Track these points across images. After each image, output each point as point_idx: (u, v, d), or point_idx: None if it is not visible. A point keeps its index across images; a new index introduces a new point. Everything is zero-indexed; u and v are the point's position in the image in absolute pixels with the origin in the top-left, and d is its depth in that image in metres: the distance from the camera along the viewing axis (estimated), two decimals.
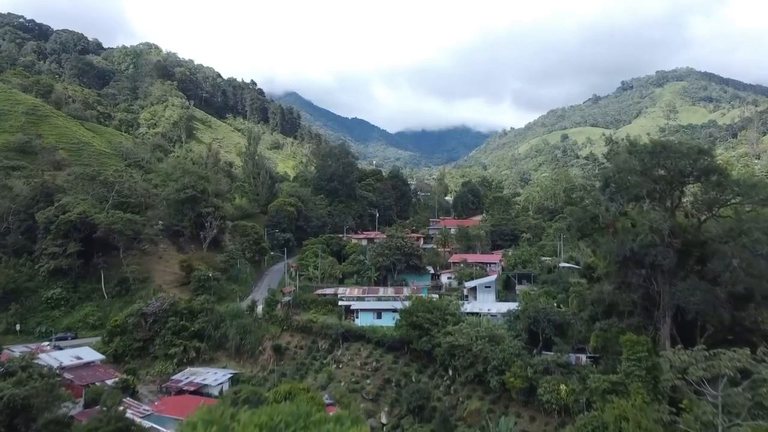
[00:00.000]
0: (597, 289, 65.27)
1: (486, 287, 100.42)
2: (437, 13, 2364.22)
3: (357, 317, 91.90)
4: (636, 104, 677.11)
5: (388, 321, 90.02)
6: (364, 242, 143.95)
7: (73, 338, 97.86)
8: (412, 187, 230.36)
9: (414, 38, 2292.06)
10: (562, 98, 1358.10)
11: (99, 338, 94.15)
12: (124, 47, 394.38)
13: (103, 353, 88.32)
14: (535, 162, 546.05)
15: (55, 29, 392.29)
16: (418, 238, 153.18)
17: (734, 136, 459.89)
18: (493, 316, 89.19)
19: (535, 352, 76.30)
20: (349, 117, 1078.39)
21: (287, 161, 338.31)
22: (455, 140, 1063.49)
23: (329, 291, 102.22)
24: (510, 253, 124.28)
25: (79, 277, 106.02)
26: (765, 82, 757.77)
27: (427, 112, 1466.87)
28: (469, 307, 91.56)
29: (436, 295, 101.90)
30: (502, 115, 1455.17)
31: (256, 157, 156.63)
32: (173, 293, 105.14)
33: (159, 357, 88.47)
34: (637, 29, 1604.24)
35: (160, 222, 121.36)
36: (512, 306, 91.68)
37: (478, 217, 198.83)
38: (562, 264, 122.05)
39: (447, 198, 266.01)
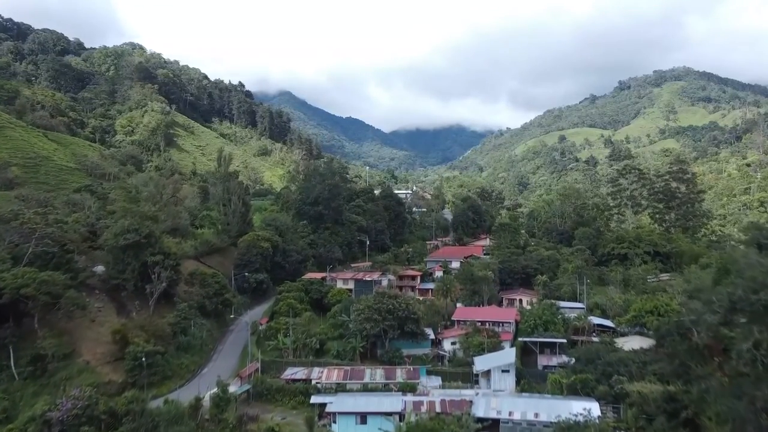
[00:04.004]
0: None
1: (503, 371, 76.28)
2: (430, 11, 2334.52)
3: (335, 422, 67.74)
4: (634, 104, 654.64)
5: (375, 426, 66.14)
6: (351, 283, 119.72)
7: None
8: (407, 202, 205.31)
9: (408, 36, 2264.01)
10: (558, 97, 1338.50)
11: None
12: (105, 47, 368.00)
13: None
14: (533, 165, 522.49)
15: (36, 29, 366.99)
16: (414, 277, 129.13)
17: (738, 138, 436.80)
18: (516, 423, 65.37)
19: None
20: (344, 116, 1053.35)
21: (275, 169, 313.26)
22: (450, 139, 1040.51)
23: (301, 374, 77.78)
24: (527, 311, 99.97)
25: None
26: (763, 81, 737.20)
27: (422, 111, 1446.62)
28: (483, 406, 67.40)
29: (438, 381, 77.90)
30: (498, 114, 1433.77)
31: (228, 181, 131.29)
32: (104, 374, 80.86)
33: None
34: (633, 28, 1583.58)
35: (98, 270, 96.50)
36: (540, 404, 67.98)
37: (481, 242, 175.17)
38: (592, 319, 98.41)
39: (446, 211, 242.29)
